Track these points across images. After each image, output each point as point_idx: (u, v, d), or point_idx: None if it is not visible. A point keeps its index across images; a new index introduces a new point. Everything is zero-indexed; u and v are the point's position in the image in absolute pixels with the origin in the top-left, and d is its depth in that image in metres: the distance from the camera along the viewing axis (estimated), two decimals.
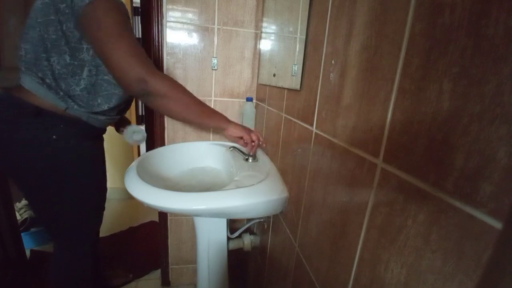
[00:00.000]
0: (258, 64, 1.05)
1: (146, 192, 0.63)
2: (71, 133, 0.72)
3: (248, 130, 0.82)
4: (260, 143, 0.84)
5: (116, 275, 1.30)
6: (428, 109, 0.26)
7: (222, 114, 0.82)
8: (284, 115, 0.73)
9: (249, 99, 1.05)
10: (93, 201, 0.84)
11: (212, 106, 1.09)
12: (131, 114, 2.18)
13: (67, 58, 0.66)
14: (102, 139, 0.90)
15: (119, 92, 0.75)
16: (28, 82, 0.67)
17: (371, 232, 0.35)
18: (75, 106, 0.70)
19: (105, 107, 0.74)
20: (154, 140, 1.11)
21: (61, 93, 0.68)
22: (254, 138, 0.82)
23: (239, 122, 0.97)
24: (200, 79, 1.04)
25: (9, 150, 0.67)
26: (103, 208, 0.90)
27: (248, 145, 0.83)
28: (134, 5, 2.29)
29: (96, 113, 0.75)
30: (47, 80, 0.67)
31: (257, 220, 0.97)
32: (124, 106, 0.84)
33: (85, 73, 0.69)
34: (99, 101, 0.73)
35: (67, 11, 0.62)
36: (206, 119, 0.78)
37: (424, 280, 0.26)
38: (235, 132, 0.81)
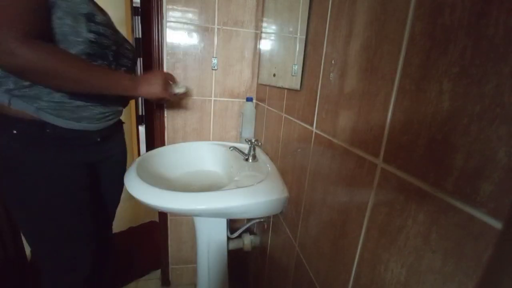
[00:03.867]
0: (258, 64, 1.05)
1: (146, 192, 0.63)
2: (25, 140, 0.59)
3: (162, 86, 0.74)
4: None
5: None
6: (428, 109, 0.26)
7: (123, 75, 0.69)
8: (284, 115, 0.73)
9: (249, 99, 1.05)
10: (64, 228, 0.68)
11: (212, 106, 1.09)
12: (131, 114, 2.18)
13: None
14: (99, 147, 0.73)
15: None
16: None
17: (371, 232, 0.35)
18: (16, 92, 0.55)
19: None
20: (154, 140, 1.11)
21: None
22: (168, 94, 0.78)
23: (239, 123, 0.96)
24: (200, 79, 1.05)
25: None
26: (88, 236, 0.73)
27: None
28: (134, 5, 2.29)
29: (50, 100, 0.59)
30: None
31: (257, 220, 0.97)
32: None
33: None
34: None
35: None
36: (106, 91, 0.64)
37: (424, 280, 0.26)
38: (149, 95, 0.73)
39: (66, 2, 0.57)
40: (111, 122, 0.75)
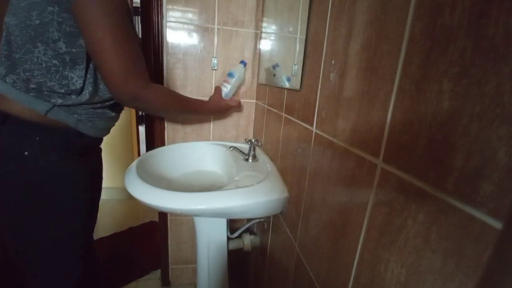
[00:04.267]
0: (258, 64, 1.05)
1: (146, 192, 0.63)
2: (50, 147, 0.58)
3: (226, 107, 0.97)
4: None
5: None
6: (428, 109, 0.26)
7: (203, 101, 0.92)
8: (284, 115, 0.73)
9: (243, 62, 1.01)
10: (71, 239, 0.66)
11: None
12: (131, 115, 2.18)
13: (62, 46, 0.55)
14: (99, 151, 0.77)
15: None
16: None
17: (371, 232, 0.35)
18: (68, 101, 0.58)
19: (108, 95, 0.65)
20: (154, 140, 1.11)
21: (46, 92, 0.56)
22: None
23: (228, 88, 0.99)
24: (200, 79, 1.04)
25: None
26: (87, 245, 0.72)
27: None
28: (134, 5, 2.29)
29: (92, 111, 0.64)
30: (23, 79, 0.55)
31: (257, 220, 0.97)
32: None
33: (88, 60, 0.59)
34: (101, 86, 0.63)
35: None
36: (197, 117, 1.01)
37: (424, 280, 0.26)
38: (221, 110, 0.98)
39: None
40: None
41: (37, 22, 0.53)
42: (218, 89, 0.98)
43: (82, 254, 0.70)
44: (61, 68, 0.56)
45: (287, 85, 0.70)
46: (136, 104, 0.65)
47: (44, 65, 0.55)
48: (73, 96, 0.59)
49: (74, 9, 0.52)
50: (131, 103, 0.64)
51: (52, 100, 0.58)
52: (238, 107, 1.05)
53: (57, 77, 0.56)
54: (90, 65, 0.60)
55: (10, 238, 0.62)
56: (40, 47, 0.54)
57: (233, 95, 1.04)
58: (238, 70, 0.99)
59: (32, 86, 0.55)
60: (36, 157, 0.57)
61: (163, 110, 0.77)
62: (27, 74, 0.55)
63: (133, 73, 0.60)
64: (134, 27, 0.64)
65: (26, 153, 0.55)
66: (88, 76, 0.60)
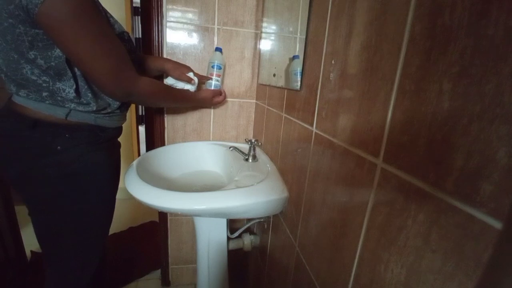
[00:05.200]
0: (258, 64, 1.05)
1: (146, 192, 0.63)
2: (80, 141, 0.62)
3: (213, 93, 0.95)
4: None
5: None
6: (428, 109, 0.26)
7: (193, 92, 0.92)
8: (284, 115, 0.73)
9: (217, 49, 0.98)
10: (95, 231, 0.72)
11: (212, 106, 1.09)
12: (131, 114, 2.18)
13: (41, 62, 0.54)
14: (119, 145, 0.80)
15: None
16: (16, 97, 0.59)
17: (371, 232, 0.35)
18: (79, 108, 0.61)
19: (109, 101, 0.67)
20: (154, 140, 1.11)
21: (59, 98, 0.59)
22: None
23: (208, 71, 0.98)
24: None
25: (11, 161, 0.61)
26: (105, 238, 0.78)
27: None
28: (134, 5, 2.29)
29: (100, 111, 0.66)
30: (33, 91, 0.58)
31: (257, 220, 0.97)
32: None
33: (74, 68, 0.59)
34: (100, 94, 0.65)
35: (16, 12, 0.49)
36: (183, 104, 0.99)
37: (424, 280, 0.26)
38: (207, 101, 0.96)
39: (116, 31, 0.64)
40: None
41: (13, 45, 0.53)
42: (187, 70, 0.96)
43: (100, 248, 0.75)
44: (51, 83, 0.57)
45: (287, 85, 0.69)
46: (131, 99, 0.65)
47: (38, 81, 0.56)
48: (80, 106, 0.62)
49: (38, 21, 0.49)
50: (126, 99, 0.65)
51: (67, 105, 0.60)
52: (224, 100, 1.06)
53: (53, 90, 0.58)
54: (77, 71, 0.59)
55: (40, 227, 0.67)
56: (26, 67, 0.55)
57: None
58: (222, 60, 0.98)
59: (44, 94, 0.58)
60: (68, 151, 0.61)
61: (156, 101, 0.76)
62: (33, 88, 0.57)
63: (120, 69, 0.59)
64: (107, 19, 0.60)
65: (58, 147, 0.60)
66: (80, 83, 0.60)
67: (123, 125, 0.78)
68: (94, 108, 0.63)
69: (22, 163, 0.60)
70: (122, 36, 0.66)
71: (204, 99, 0.94)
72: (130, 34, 2.19)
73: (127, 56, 0.62)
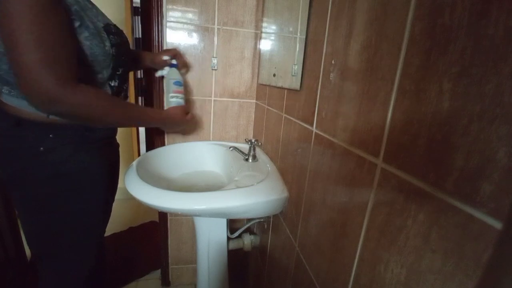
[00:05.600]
0: (258, 64, 1.05)
1: (146, 192, 0.63)
2: (65, 141, 0.59)
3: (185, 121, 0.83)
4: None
5: None
6: (428, 109, 0.26)
7: (154, 111, 0.80)
8: (284, 115, 0.73)
9: (173, 65, 0.90)
10: (88, 231, 0.69)
11: (212, 106, 1.09)
12: None
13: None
14: (116, 145, 0.77)
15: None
16: (2, 94, 0.55)
17: (371, 232, 0.35)
18: None
19: None
20: (154, 140, 1.11)
21: None
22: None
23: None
24: (200, 79, 1.04)
25: (1, 161, 0.58)
26: (101, 237, 0.75)
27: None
28: (134, 5, 2.29)
29: None
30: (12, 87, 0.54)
31: (257, 220, 0.97)
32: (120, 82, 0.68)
33: None
34: None
35: None
36: (144, 124, 0.78)
37: (424, 280, 0.26)
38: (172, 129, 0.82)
39: (88, 18, 0.56)
40: None
41: None
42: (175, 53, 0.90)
43: (95, 248, 0.72)
44: None
45: (287, 85, 0.69)
46: (56, 109, 0.51)
47: (12, 73, 0.51)
48: None
49: None
50: (49, 107, 0.50)
51: None
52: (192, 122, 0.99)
53: None
54: None
55: (29, 231, 0.65)
56: (3, 60, 0.50)
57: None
58: (180, 76, 0.88)
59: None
60: (52, 152, 0.58)
61: (96, 118, 0.57)
62: (14, 84, 0.53)
63: (48, 66, 0.46)
64: (64, 11, 0.51)
65: (41, 148, 0.56)
66: None
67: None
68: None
69: (10, 164, 0.58)
70: (108, 29, 0.62)
71: (173, 117, 0.80)
72: (130, 34, 2.18)
73: (73, 58, 0.52)
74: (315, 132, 0.52)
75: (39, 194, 0.60)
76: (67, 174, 0.60)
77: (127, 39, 0.73)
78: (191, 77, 1.04)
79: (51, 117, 0.57)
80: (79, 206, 0.64)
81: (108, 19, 0.65)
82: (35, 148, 0.57)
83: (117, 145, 0.80)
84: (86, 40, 0.56)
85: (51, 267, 0.69)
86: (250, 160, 0.87)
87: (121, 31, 0.70)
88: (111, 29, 0.63)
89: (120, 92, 0.70)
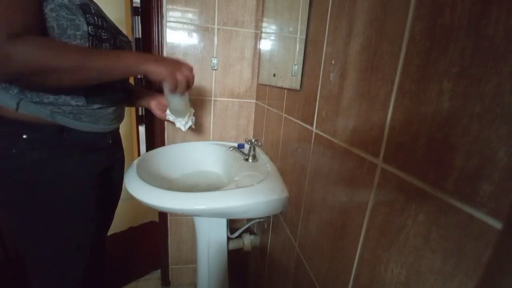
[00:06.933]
0: (258, 64, 1.05)
1: (146, 192, 0.63)
2: (40, 144, 0.54)
3: (176, 66, 0.61)
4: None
5: None
6: (428, 109, 0.26)
7: (125, 51, 0.65)
8: (284, 115, 0.73)
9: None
10: (71, 240, 0.63)
11: (212, 106, 1.09)
12: (131, 114, 2.18)
13: None
14: (110, 153, 0.71)
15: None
16: None
17: (371, 232, 0.35)
18: (29, 96, 0.49)
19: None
20: (154, 140, 1.11)
21: (3, 84, 0.48)
22: (181, 76, 0.61)
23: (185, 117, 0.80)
24: (200, 79, 1.04)
25: None
26: (95, 242, 0.69)
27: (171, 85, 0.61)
28: (134, 5, 2.29)
29: (59, 104, 0.55)
30: None
31: (257, 220, 0.97)
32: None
33: None
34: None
35: None
36: (108, 72, 0.54)
37: (424, 280, 0.26)
38: (157, 73, 0.58)
39: None
40: (119, 124, 0.74)
41: None
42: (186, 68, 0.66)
43: (83, 255, 0.67)
44: None
45: (287, 85, 0.69)
46: (6, 69, 0.44)
47: None
48: (29, 93, 0.51)
49: None
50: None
51: (15, 92, 0.51)
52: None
53: None
54: None
55: (13, 236, 0.61)
56: None
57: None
58: (179, 98, 0.71)
59: None
60: (24, 156, 0.53)
61: (50, 68, 0.47)
62: None
63: None
64: None
65: (13, 151, 0.52)
66: None
67: (122, 126, 0.74)
68: (49, 99, 0.52)
69: None
70: (86, 8, 0.55)
71: (154, 55, 0.64)
72: (130, 34, 2.18)
73: (24, 11, 0.45)
74: (315, 132, 0.52)
75: (11, 200, 0.56)
76: (41, 181, 0.56)
77: (112, 27, 0.65)
78: None
79: (19, 110, 0.51)
80: (59, 216, 0.60)
81: (95, 4, 0.61)
82: (8, 151, 0.52)
83: (116, 149, 0.75)
84: (52, 11, 0.50)
85: (36, 274, 0.65)
86: (250, 160, 0.87)
87: (106, 17, 0.64)
88: (89, 9, 0.56)
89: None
